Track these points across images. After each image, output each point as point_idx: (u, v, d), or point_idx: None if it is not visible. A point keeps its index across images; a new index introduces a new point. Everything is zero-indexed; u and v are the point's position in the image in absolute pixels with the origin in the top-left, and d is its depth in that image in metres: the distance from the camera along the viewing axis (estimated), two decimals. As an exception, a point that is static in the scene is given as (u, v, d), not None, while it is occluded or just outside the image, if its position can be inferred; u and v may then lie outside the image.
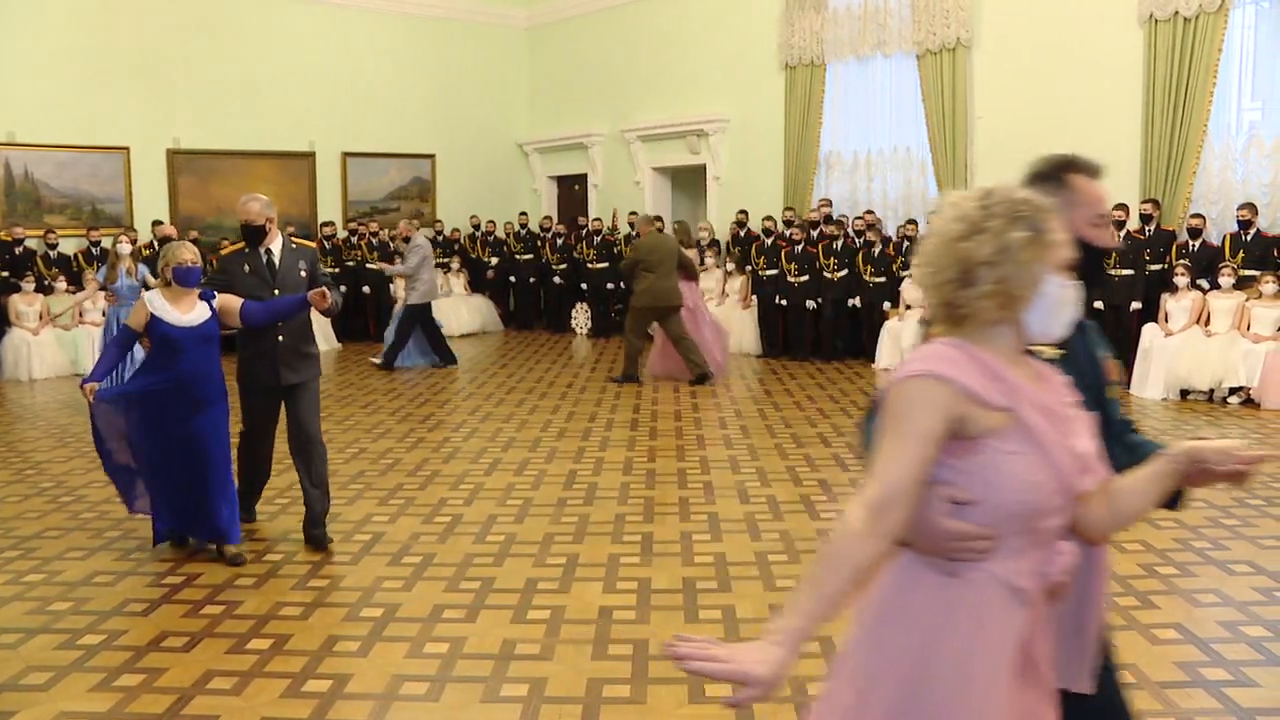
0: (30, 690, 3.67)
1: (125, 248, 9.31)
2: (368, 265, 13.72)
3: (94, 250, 12.01)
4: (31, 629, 4.23)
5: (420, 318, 11.41)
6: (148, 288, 8.60)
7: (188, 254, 4.95)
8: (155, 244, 9.26)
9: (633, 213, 14.17)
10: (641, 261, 10.03)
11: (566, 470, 6.78)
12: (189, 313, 4.94)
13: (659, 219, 11.99)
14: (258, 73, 14.17)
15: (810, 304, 11.59)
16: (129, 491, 5.11)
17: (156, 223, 12.61)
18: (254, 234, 5.24)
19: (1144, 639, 3.97)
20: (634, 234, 9.94)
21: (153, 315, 4.90)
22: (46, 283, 11.65)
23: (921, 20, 11.44)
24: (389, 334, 11.56)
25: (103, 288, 9.25)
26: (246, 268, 5.24)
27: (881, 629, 1.77)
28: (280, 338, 5.20)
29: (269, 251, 5.30)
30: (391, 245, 13.31)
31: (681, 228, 12.14)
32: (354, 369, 11.39)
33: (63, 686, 3.70)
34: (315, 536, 5.27)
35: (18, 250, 11.87)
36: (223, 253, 5.34)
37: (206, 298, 5.01)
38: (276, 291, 5.20)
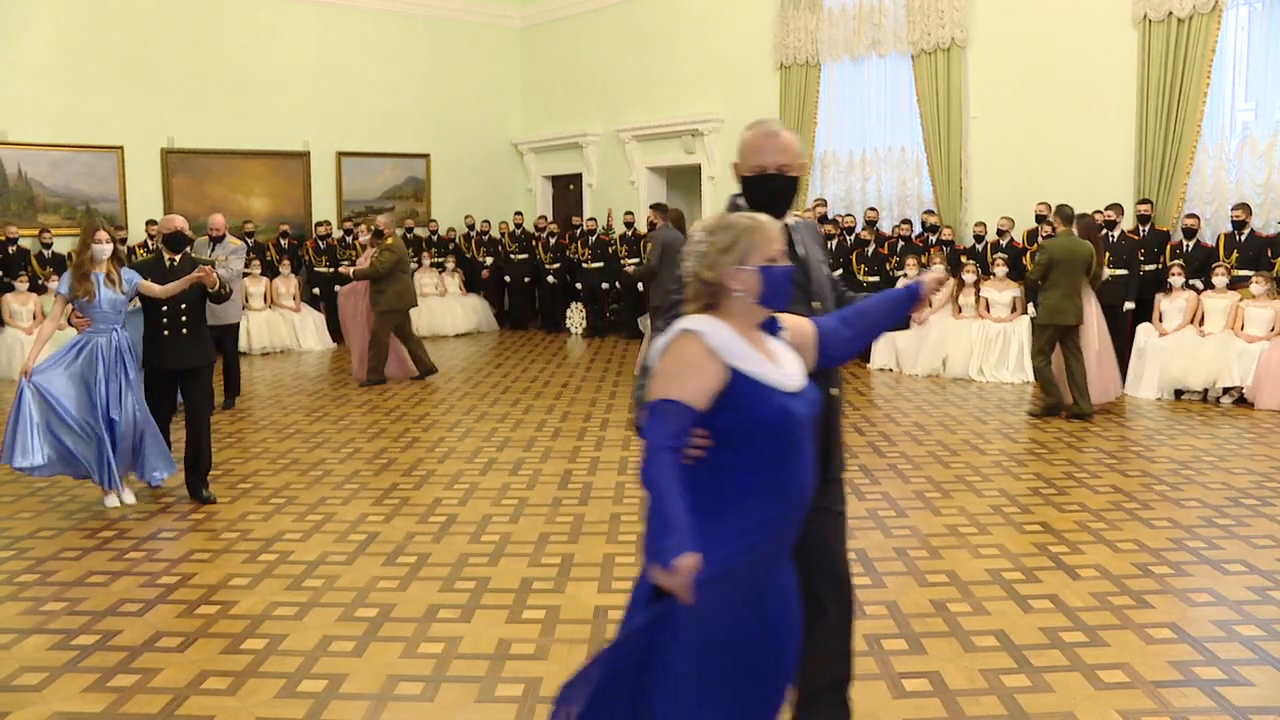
0: (24, 691, 3.66)
1: (104, 248, 5.85)
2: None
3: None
4: (25, 629, 4.22)
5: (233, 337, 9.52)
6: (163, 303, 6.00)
7: (778, 242, 2.41)
8: (152, 240, 6.73)
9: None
10: (402, 262, 10.47)
11: (562, 470, 6.78)
12: (779, 364, 2.39)
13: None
14: (252, 72, 14.16)
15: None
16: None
17: (150, 223, 12.43)
18: (778, 192, 2.89)
19: (1138, 638, 3.98)
20: (383, 236, 10.27)
21: (736, 373, 2.28)
22: (40, 282, 11.63)
23: (916, 20, 11.46)
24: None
25: (70, 302, 5.89)
26: None
27: None
28: (833, 389, 2.87)
29: (789, 230, 2.85)
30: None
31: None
32: (350, 368, 11.35)
33: (56, 687, 3.69)
34: None
35: (11, 250, 11.85)
36: None
37: (769, 329, 2.46)
38: (816, 305, 2.86)
